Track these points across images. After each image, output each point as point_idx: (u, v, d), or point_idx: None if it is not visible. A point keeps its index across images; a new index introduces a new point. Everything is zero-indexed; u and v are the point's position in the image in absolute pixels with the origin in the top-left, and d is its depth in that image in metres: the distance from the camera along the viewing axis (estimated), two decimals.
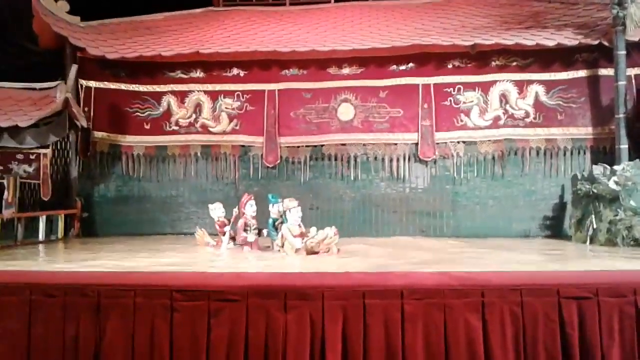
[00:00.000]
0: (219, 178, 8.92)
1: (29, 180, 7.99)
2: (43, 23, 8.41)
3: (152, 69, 8.91)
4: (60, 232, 8.14)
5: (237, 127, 8.91)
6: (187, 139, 8.94)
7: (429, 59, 8.65)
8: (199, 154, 8.95)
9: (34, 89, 8.63)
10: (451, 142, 8.62)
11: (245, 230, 6.76)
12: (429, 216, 8.58)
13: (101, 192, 8.92)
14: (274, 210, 6.96)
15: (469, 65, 8.65)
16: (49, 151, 8.06)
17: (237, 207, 6.90)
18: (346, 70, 8.85)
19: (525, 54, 8.45)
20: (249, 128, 8.87)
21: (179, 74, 9.00)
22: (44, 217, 7.79)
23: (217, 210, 7.20)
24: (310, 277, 4.28)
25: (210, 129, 8.93)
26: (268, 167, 8.82)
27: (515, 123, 8.53)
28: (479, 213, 8.53)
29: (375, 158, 8.75)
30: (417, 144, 8.62)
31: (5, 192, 7.30)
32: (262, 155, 8.82)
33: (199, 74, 8.98)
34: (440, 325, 3.86)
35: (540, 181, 8.48)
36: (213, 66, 8.91)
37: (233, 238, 6.94)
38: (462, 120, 8.61)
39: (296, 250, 6.32)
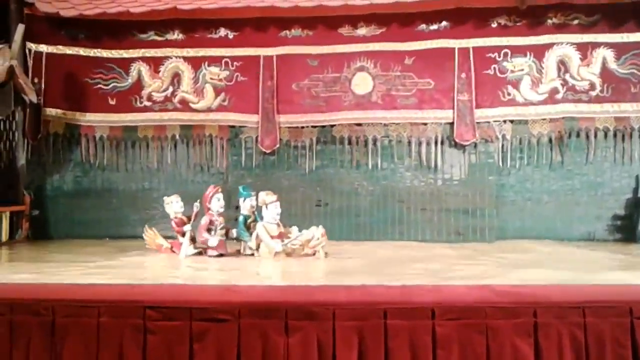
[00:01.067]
0: (203, 167, 8.96)
1: None
2: None
3: (119, 29, 8.91)
4: (5, 233, 8.18)
5: (226, 103, 8.93)
6: (162, 117, 8.96)
7: (467, 15, 8.61)
8: (177, 137, 8.98)
9: None
10: (495, 121, 8.60)
11: (209, 230, 6.84)
12: (467, 215, 8.57)
13: (55, 184, 8.97)
14: (245, 205, 7.11)
15: (518, 23, 8.60)
16: None
17: (198, 201, 6.98)
18: (362, 31, 8.83)
19: (590, 9, 8.40)
20: (240, 104, 8.89)
21: (151, 36, 9.00)
22: None
23: (173, 205, 7.24)
24: (317, 291, 4.30)
25: (192, 105, 8.96)
26: (264, 153, 8.84)
27: (577, 97, 8.49)
28: (530, 211, 8.53)
29: (400, 142, 8.74)
30: (452, 124, 8.61)
31: None
32: (256, 138, 8.84)
33: (177, 35, 8.98)
34: (481, 351, 3.87)
35: (608, 171, 8.47)
36: (195, 26, 8.90)
37: (194, 240, 7.01)
38: (509, 94, 8.58)
39: (275, 253, 6.46)
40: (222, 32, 8.94)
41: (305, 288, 4.45)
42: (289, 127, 8.86)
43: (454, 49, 8.65)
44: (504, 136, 8.60)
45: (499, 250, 7.19)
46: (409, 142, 8.73)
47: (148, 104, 8.98)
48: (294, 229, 6.74)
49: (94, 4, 8.60)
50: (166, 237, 7.33)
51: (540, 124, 8.56)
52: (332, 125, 8.82)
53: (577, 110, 8.48)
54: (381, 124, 8.76)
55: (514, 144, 8.60)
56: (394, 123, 8.74)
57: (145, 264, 6.44)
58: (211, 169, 8.96)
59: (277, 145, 8.82)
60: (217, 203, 6.92)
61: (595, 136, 8.46)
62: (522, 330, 3.91)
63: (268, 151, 8.83)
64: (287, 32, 8.89)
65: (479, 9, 8.52)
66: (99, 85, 8.99)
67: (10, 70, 7.92)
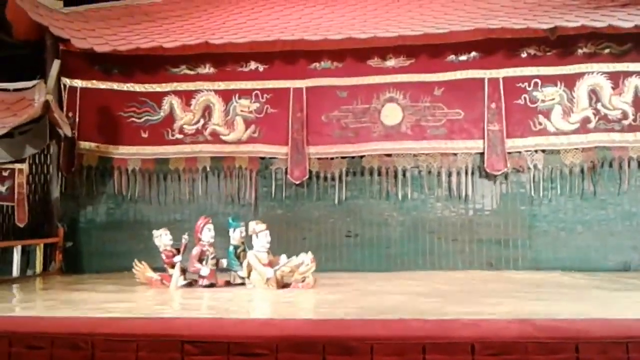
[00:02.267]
0: (234, 199, 9.03)
1: (1, 202, 8.19)
2: (18, 9, 8.67)
3: (151, 64, 9.09)
4: (39, 266, 8.31)
5: (256, 135, 9.01)
6: (193, 149, 9.07)
7: (497, 46, 8.64)
8: (208, 169, 9.08)
9: (7, 90, 8.91)
10: (527, 151, 8.57)
11: (200, 260, 6.89)
12: (499, 245, 8.52)
13: (88, 216, 9.09)
14: (235, 235, 7.23)
15: (548, 53, 8.61)
16: (25, 166, 8.27)
17: (186, 233, 7.11)
18: (391, 62, 8.90)
19: (621, 38, 8.37)
20: (270, 136, 8.97)
21: (183, 70, 9.16)
22: (19, 247, 7.98)
23: (162, 238, 7.29)
24: (354, 325, 4.26)
25: (223, 137, 9.06)
26: (294, 184, 8.89)
27: (609, 127, 8.43)
28: (563, 241, 8.44)
29: (430, 172, 8.75)
30: (482, 154, 8.60)
31: None
32: (286, 169, 8.90)
33: (208, 69, 9.13)
34: None
35: None
36: (226, 59, 9.05)
37: (184, 271, 7.05)
38: (540, 124, 8.55)
39: (267, 279, 6.59)
40: (253, 65, 9.06)
41: (342, 322, 4.42)
42: (318, 159, 8.91)
43: (483, 79, 8.67)
44: (535, 166, 8.55)
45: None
46: (439, 173, 8.73)
47: (180, 136, 9.09)
48: (283, 257, 6.80)
49: (127, 39, 8.80)
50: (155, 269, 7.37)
51: (572, 154, 8.50)
52: (362, 156, 8.85)
53: (609, 139, 8.42)
54: (411, 154, 8.78)
55: (545, 173, 8.55)
56: (423, 153, 8.75)
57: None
58: (241, 200, 9.01)
59: (307, 177, 8.84)
60: (208, 233, 7.03)
61: (629, 165, 8.38)
62: None
63: (298, 182, 8.86)
64: (317, 64, 8.99)
65: (508, 39, 8.55)
66: (132, 119, 9.13)
67: (46, 105, 8.11)
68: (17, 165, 8.16)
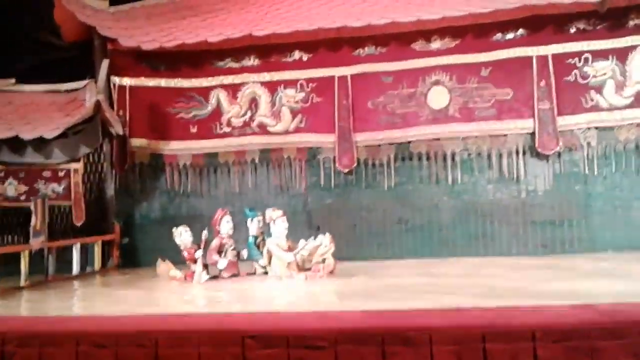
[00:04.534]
0: (283, 189, 9.11)
1: (58, 202, 8.44)
2: (65, 11, 8.84)
3: (197, 59, 9.18)
4: (97, 262, 8.48)
5: (302, 125, 9.05)
6: (242, 142, 9.15)
7: (544, 22, 8.47)
8: (257, 161, 9.17)
9: (59, 91, 9.14)
10: (579, 128, 8.41)
11: (219, 252, 6.98)
12: (554, 226, 8.40)
13: (143, 212, 9.30)
14: (253, 226, 7.33)
15: (598, 27, 8.40)
16: (80, 166, 8.49)
17: (205, 229, 7.10)
18: (436, 45, 8.80)
19: None
20: (316, 125, 9.00)
21: (229, 63, 9.23)
22: (78, 245, 8.14)
23: (183, 235, 7.33)
24: (412, 316, 4.26)
25: (270, 129, 9.12)
26: (342, 172, 8.90)
27: None
28: (621, 220, 8.26)
29: (480, 154, 8.66)
30: (533, 134, 8.45)
31: (33, 218, 7.65)
32: (334, 157, 8.91)
33: (253, 61, 9.18)
34: None
35: None
36: (270, 51, 9.08)
37: (207, 266, 7.11)
38: (592, 100, 8.36)
39: (287, 264, 6.68)
40: (297, 55, 9.07)
41: (399, 313, 4.42)
42: (366, 146, 8.89)
43: (531, 57, 8.51)
44: (588, 144, 8.38)
45: None
46: (489, 155, 8.63)
47: (228, 129, 9.18)
48: (301, 241, 6.86)
49: (173, 35, 8.89)
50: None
51: (627, 129, 8.30)
52: (410, 142, 8.80)
53: None
54: (459, 137, 8.68)
55: (599, 151, 8.38)
56: (473, 136, 8.65)
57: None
58: (291, 190, 9.08)
59: (355, 164, 8.84)
60: (226, 225, 7.12)
61: None
62: (630, 351, 3.75)
63: (346, 170, 8.87)
64: (361, 50, 8.94)
65: (555, 15, 8.35)
66: (181, 114, 9.26)
67: (97, 105, 8.26)
68: (73, 165, 8.38)
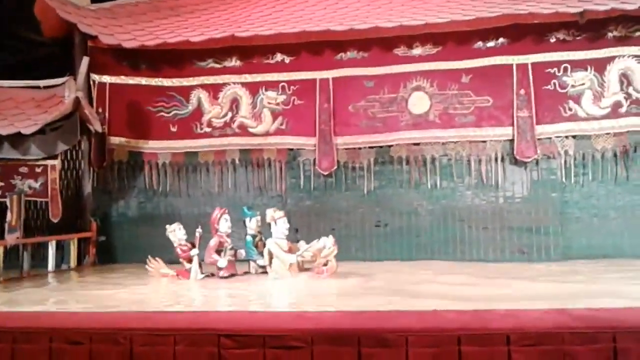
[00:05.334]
0: (263, 190, 9.08)
1: (34, 198, 8.34)
2: (46, 7, 8.74)
3: (178, 58, 9.16)
4: (73, 260, 8.42)
5: (283, 127, 9.04)
6: (222, 142, 9.13)
7: (525, 31, 8.54)
8: (237, 161, 9.14)
9: (38, 87, 9.03)
10: (557, 137, 8.47)
11: (218, 251, 6.93)
12: (530, 233, 8.44)
13: (120, 210, 9.23)
14: (251, 225, 7.31)
15: (577, 37, 8.49)
16: (57, 162, 8.40)
17: (199, 227, 7.15)
18: (418, 51, 8.84)
19: None
20: (297, 127, 8.99)
21: (210, 64, 9.21)
22: (54, 242, 8.12)
23: (177, 232, 7.31)
24: (389, 317, 4.27)
25: (251, 130, 9.10)
26: (322, 174, 8.90)
27: None
28: (596, 228, 8.33)
29: (459, 160, 8.70)
30: (512, 141, 8.51)
31: (8, 214, 7.62)
32: (314, 160, 8.92)
33: (234, 62, 9.17)
34: None
35: None
36: (252, 52, 9.08)
37: (201, 264, 7.11)
38: (570, 109, 8.45)
39: (289, 265, 6.66)
40: (279, 57, 9.07)
41: (376, 314, 4.43)
42: (346, 149, 8.91)
43: (512, 65, 8.59)
44: (566, 152, 8.45)
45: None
46: (469, 161, 8.67)
47: (208, 129, 9.16)
48: (302, 242, 6.89)
49: (154, 34, 8.84)
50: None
51: (603, 139, 8.38)
52: (390, 146, 8.82)
53: None
54: (439, 142, 8.72)
55: (577, 159, 8.45)
56: (452, 142, 8.69)
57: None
58: (270, 191, 9.06)
59: (335, 167, 8.85)
60: (225, 224, 7.09)
61: None
62: (602, 356, 3.79)
63: (326, 173, 8.88)
64: (343, 54, 8.97)
65: (536, 24, 8.45)
66: (161, 113, 9.23)
67: (76, 101, 8.21)
68: (50, 162, 8.28)
